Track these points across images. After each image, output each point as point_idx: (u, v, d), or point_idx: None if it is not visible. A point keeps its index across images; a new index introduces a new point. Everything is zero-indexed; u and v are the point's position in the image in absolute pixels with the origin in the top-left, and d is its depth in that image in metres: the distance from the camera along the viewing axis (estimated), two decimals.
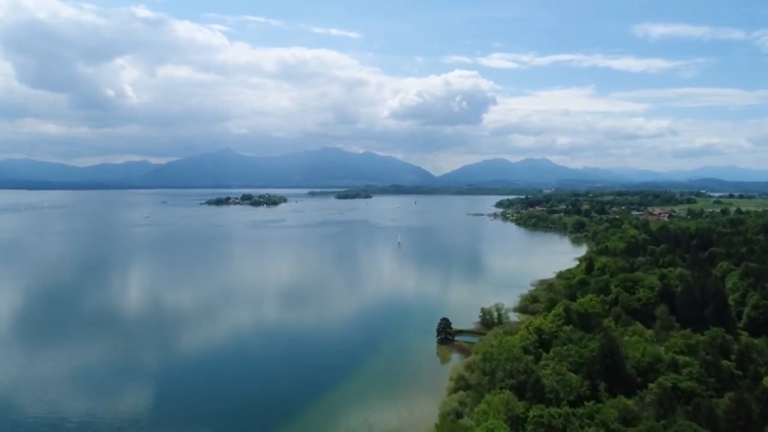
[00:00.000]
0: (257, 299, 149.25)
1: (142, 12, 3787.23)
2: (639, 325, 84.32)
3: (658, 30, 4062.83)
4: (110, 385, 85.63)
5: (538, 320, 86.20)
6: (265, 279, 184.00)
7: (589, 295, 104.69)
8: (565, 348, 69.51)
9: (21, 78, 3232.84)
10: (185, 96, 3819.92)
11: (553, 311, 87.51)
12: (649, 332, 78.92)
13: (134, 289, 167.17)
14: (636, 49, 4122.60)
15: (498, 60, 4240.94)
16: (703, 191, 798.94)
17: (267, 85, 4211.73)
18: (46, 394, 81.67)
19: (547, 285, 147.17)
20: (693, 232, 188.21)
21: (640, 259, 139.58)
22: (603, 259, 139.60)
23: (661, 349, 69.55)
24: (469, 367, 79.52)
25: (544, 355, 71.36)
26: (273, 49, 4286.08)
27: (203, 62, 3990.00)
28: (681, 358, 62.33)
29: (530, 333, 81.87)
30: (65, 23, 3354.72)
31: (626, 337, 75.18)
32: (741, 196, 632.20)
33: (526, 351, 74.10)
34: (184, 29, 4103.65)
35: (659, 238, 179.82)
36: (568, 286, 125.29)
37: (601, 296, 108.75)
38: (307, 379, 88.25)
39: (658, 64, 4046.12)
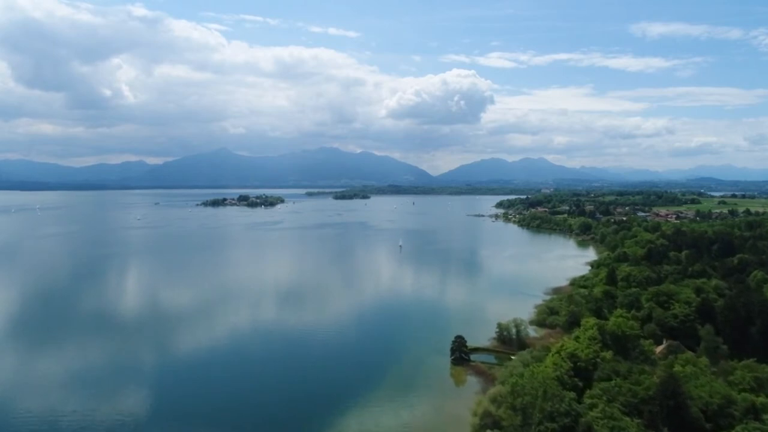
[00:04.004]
0: (251, 308, 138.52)
1: (139, 11, 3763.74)
2: (690, 354, 74.05)
3: (656, 29, 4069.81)
4: (106, 389, 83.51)
5: (570, 344, 75.85)
6: (262, 285, 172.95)
7: (619, 311, 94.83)
8: (613, 384, 59.15)
9: (16, 77, 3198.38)
10: (182, 95, 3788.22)
11: (587, 333, 77.27)
12: (703, 361, 68.60)
13: (119, 299, 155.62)
14: (634, 48, 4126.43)
15: (496, 59, 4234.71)
16: (702, 191, 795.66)
17: (264, 84, 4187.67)
18: (44, 398, 79.99)
19: (564, 295, 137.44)
20: (712, 237, 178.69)
21: (666, 267, 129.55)
22: (626, 268, 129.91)
23: (724, 384, 59.35)
24: (495, 401, 69.24)
25: (588, 391, 60.96)
26: (270, 48, 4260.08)
27: (200, 61, 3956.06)
28: (759, 400, 52.17)
29: (563, 360, 71.50)
30: (61, 22, 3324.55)
31: (677, 367, 65.05)
32: (743, 196, 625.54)
33: (562, 383, 64.04)
34: (181, 28, 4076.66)
35: (678, 243, 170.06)
36: (592, 299, 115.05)
37: (632, 311, 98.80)
38: (303, 407, 78.24)
39: (656, 63, 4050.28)
